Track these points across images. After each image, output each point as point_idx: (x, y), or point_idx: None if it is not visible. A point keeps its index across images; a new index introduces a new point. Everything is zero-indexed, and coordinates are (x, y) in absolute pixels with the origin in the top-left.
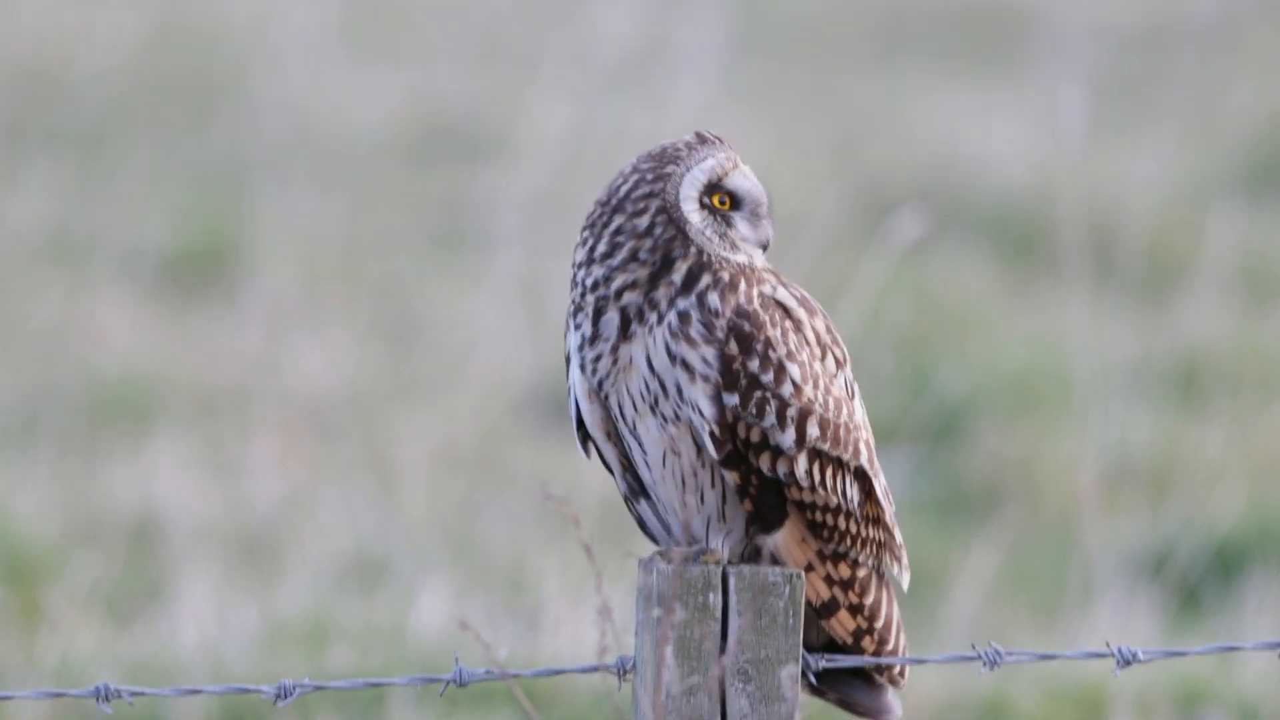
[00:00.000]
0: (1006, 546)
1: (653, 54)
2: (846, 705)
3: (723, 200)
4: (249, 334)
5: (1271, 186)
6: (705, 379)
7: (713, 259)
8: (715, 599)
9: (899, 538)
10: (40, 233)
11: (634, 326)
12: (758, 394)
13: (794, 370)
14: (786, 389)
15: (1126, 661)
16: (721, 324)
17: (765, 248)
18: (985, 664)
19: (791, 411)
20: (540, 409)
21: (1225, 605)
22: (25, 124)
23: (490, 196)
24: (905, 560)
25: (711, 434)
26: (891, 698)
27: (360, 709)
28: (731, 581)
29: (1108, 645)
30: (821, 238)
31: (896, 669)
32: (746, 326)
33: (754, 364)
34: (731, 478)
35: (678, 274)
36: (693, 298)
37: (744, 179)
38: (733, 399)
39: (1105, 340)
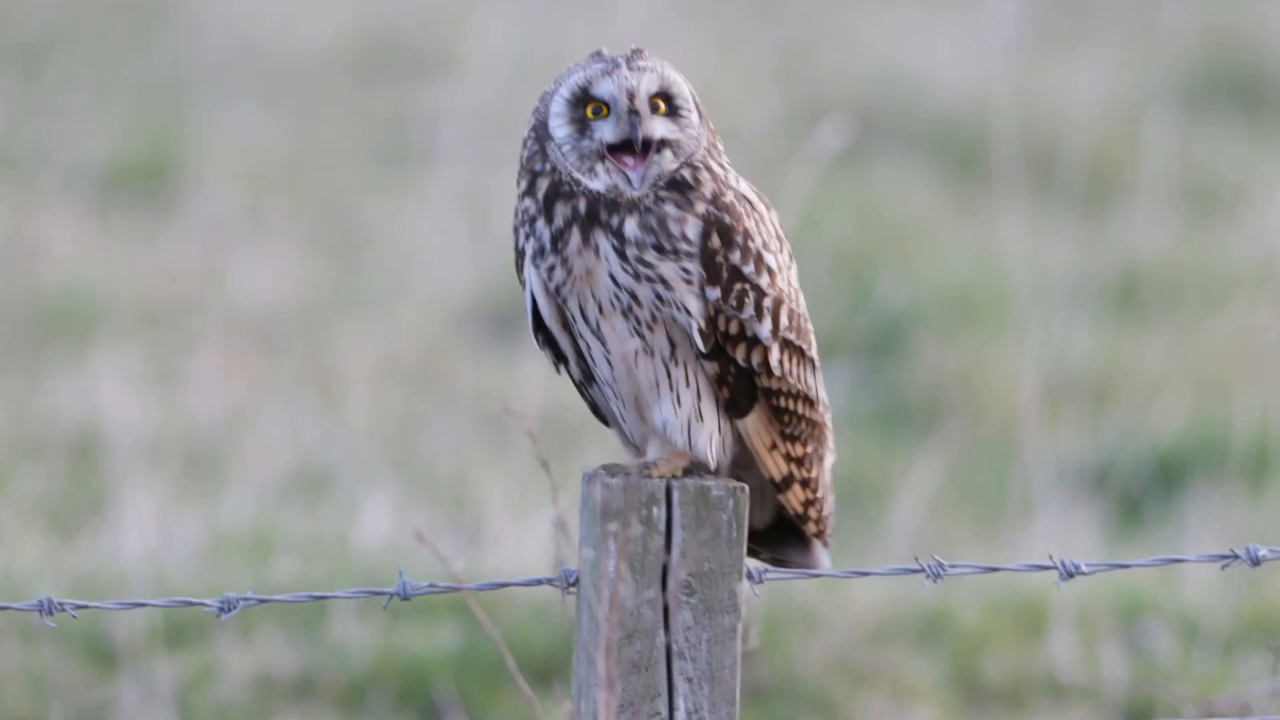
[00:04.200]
0: (948, 459)
1: None
2: (780, 561)
3: (596, 110)
4: (192, 248)
5: (1210, 100)
6: (688, 280)
7: (691, 160)
8: (659, 513)
9: (829, 423)
10: None
11: (594, 237)
12: (738, 286)
13: (770, 260)
14: (764, 279)
15: (1069, 574)
16: (696, 222)
17: (673, 147)
18: (928, 576)
19: (767, 302)
20: (483, 323)
21: (1167, 518)
22: None
23: (434, 111)
24: (831, 444)
25: (700, 330)
26: (819, 551)
27: (303, 621)
28: (675, 495)
29: (1050, 558)
30: (759, 149)
31: (826, 531)
32: (727, 219)
33: (735, 256)
34: (711, 369)
35: (551, 196)
36: (649, 215)
37: (611, 82)
38: (714, 293)
39: (1045, 253)
